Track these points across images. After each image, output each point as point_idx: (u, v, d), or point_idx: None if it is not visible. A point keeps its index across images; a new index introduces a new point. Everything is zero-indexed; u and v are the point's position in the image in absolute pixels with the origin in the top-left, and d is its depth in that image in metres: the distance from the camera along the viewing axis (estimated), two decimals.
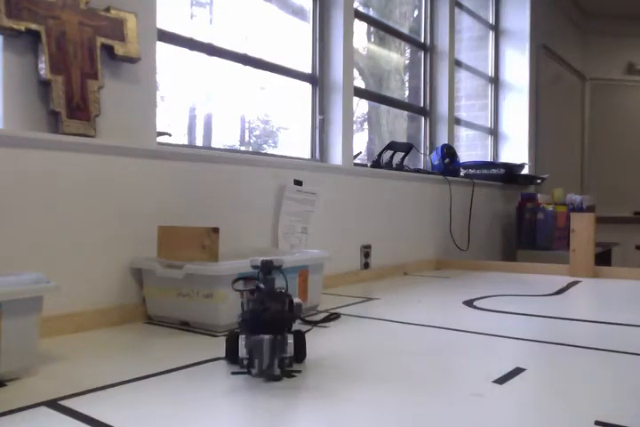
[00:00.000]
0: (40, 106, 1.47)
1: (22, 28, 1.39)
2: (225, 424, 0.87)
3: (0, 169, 1.35)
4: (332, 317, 1.65)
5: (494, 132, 4.36)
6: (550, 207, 3.55)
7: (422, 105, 3.51)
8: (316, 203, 2.23)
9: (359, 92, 2.94)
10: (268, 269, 1.13)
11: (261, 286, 1.12)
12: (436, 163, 3.24)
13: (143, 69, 1.69)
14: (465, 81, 4.13)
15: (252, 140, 2.63)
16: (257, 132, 2.69)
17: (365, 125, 3.42)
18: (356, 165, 2.68)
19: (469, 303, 1.95)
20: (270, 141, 2.71)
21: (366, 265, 2.58)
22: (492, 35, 4.34)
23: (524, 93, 4.31)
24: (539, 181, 4.11)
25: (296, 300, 1.17)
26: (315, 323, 1.57)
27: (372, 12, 3.15)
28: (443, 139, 3.49)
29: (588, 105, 5.57)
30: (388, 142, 2.94)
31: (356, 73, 2.96)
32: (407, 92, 3.63)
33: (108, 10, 1.58)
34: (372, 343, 1.39)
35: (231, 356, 1.15)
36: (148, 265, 1.59)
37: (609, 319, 1.68)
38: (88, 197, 1.53)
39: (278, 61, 2.42)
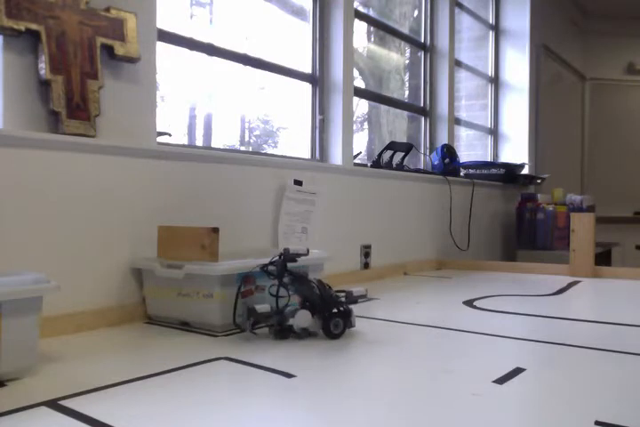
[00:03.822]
0: (40, 106, 1.47)
1: (22, 28, 1.39)
2: (225, 424, 0.87)
3: (0, 169, 1.35)
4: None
5: (494, 132, 4.36)
6: (550, 207, 3.55)
7: (422, 105, 3.51)
8: (316, 203, 2.23)
9: (359, 92, 2.93)
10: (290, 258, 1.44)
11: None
12: (435, 163, 3.24)
13: (143, 69, 1.69)
14: (465, 81, 4.12)
15: (252, 140, 2.63)
16: (257, 133, 2.69)
17: (365, 125, 3.42)
18: (356, 165, 2.68)
19: (469, 303, 1.94)
20: (270, 141, 2.71)
21: (366, 265, 2.58)
22: (492, 35, 4.34)
23: (524, 93, 4.31)
24: (539, 181, 4.10)
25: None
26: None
27: (371, 12, 3.15)
28: (443, 139, 3.49)
29: (587, 105, 5.56)
30: (387, 142, 2.94)
31: (356, 73, 2.96)
32: (407, 92, 3.63)
33: (108, 10, 1.58)
34: (372, 344, 1.39)
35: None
36: (148, 265, 1.59)
37: (609, 319, 1.68)
38: (88, 197, 1.53)
39: (278, 61, 2.42)
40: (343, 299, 1.46)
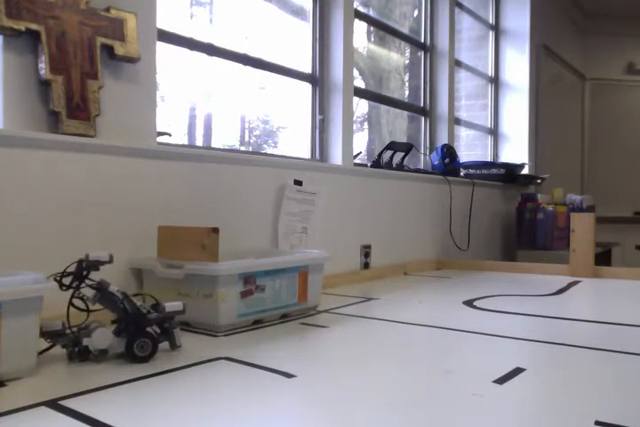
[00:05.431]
0: (40, 106, 1.47)
1: (22, 28, 1.39)
2: (225, 424, 0.87)
3: (0, 169, 1.35)
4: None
5: (494, 132, 4.36)
6: (550, 207, 3.55)
7: (422, 105, 3.51)
8: (316, 203, 2.23)
9: (359, 92, 2.93)
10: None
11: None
12: (435, 163, 3.24)
13: (143, 69, 1.69)
14: (465, 81, 4.13)
15: (252, 140, 2.63)
16: (257, 132, 2.69)
17: (365, 125, 3.42)
18: (356, 165, 2.68)
19: (469, 303, 1.94)
20: (270, 141, 2.71)
21: (366, 265, 2.58)
22: (492, 35, 4.34)
23: (524, 93, 4.31)
24: (539, 181, 4.11)
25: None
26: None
27: (371, 12, 3.15)
28: (443, 139, 3.49)
29: (588, 105, 5.57)
30: (387, 142, 2.94)
31: (356, 73, 2.96)
32: (407, 92, 3.63)
33: (107, 10, 1.58)
34: (372, 344, 1.39)
35: None
36: (148, 265, 1.59)
37: (609, 319, 1.68)
38: (88, 197, 1.53)
39: (278, 61, 2.42)
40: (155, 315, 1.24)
